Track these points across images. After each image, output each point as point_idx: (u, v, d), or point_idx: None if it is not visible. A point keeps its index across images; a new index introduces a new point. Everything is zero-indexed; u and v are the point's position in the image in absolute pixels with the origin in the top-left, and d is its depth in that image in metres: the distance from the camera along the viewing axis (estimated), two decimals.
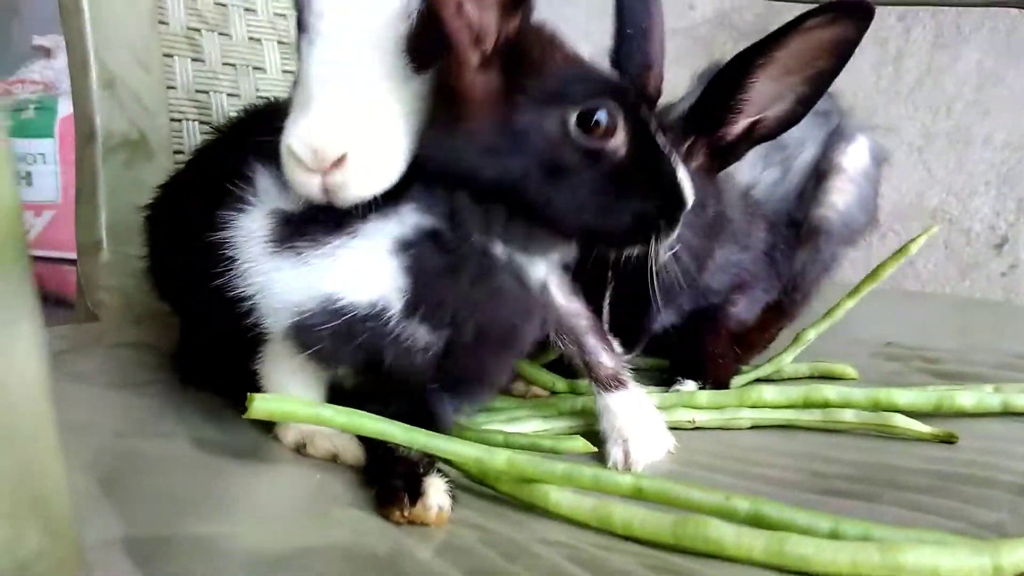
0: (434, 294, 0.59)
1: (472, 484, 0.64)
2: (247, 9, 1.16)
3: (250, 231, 0.60)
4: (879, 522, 0.53)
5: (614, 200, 0.58)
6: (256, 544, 0.50)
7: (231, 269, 0.60)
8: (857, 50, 0.70)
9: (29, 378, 0.31)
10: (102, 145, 0.97)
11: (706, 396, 0.81)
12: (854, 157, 0.91)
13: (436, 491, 0.56)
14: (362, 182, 0.56)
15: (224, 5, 1.14)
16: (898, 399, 0.79)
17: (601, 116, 0.57)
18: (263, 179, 0.62)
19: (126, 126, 1.00)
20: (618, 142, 0.59)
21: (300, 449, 0.66)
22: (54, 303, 2.06)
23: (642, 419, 0.73)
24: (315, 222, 0.59)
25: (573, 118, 0.57)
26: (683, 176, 0.61)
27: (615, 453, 0.71)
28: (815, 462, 0.71)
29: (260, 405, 0.55)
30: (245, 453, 0.64)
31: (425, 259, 0.58)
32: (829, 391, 0.80)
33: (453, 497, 0.57)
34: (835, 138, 0.91)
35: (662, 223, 0.60)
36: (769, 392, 0.81)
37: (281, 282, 0.59)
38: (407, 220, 0.59)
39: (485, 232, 0.59)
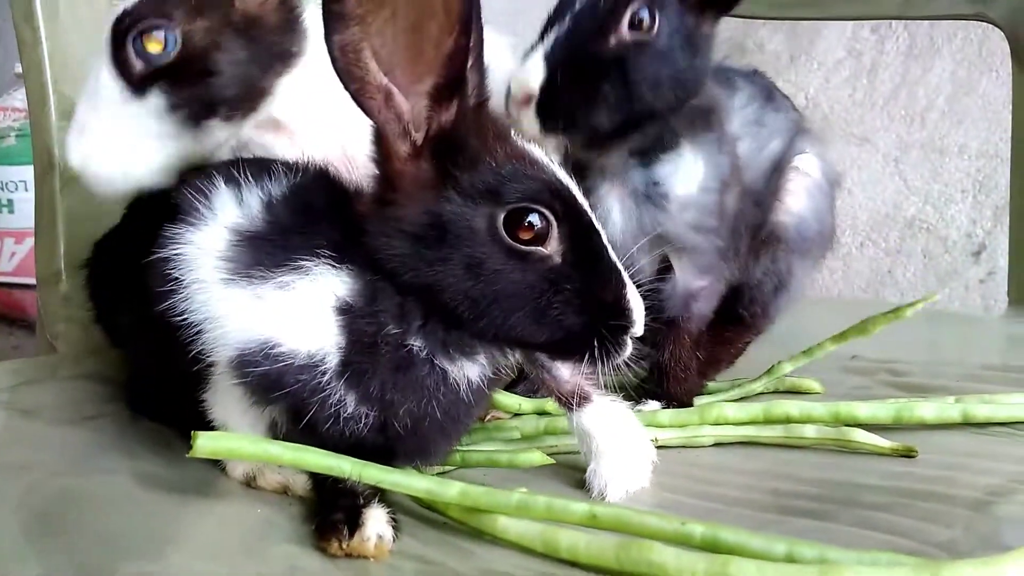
0: (360, 364, 0.56)
1: (421, 510, 0.63)
2: None
3: (202, 248, 0.57)
4: (834, 542, 0.53)
5: (541, 311, 0.55)
6: None
7: (177, 292, 0.56)
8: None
9: None
10: (61, 176, 0.97)
11: (668, 415, 0.81)
12: (807, 168, 0.92)
13: (375, 522, 0.55)
14: (101, 184, 0.68)
15: None
16: (858, 412, 0.79)
17: (533, 218, 0.54)
18: (221, 194, 0.59)
19: None
20: (551, 249, 0.55)
21: (250, 482, 0.65)
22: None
23: (619, 438, 0.70)
24: (269, 247, 0.56)
25: (502, 217, 0.54)
26: (632, 296, 0.58)
27: (596, 484, 0.68)
28: (775, 480, 0.70)
29: (205, 443, 0.54)
30: (188, 488, 0.63)
31: (354, 328, 0.56)
32: (790, 406, 0.80)
33: (396, 527, 0.57)
34: (793, 149, 0.92)
35: (601, 343, 0.56)
36: (730, 409, 0.80)
37: (231, 314, 0.56)
38: (347, 282, 0.56)
39: (401, 326, 0.56)
